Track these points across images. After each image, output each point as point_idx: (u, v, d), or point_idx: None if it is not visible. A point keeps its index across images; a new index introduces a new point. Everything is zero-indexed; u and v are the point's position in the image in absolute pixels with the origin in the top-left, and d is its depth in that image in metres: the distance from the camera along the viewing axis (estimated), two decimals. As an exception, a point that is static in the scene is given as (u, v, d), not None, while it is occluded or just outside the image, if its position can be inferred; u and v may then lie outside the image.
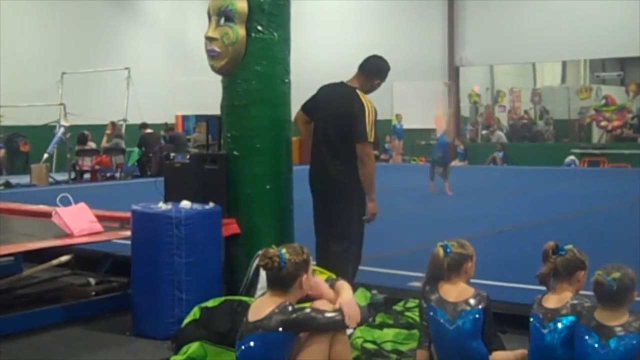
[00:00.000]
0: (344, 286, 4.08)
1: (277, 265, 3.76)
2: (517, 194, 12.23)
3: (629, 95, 25.32)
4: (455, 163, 23.81)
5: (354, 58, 6.02)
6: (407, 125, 25.01)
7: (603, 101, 25.25)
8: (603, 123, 24.05)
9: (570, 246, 4.11)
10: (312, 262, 3.95)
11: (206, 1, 6.04)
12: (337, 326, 3.80)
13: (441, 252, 4.21)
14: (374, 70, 5.87)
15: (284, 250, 3.81)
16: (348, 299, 3.92)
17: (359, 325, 4.00)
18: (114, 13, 25.08)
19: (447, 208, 12.25)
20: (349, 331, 4.32)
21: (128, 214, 5.67)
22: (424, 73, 24.57)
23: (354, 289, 5.45)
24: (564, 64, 29.53)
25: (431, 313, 4.23)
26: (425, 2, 24.80)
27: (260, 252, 3.97)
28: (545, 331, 3.97)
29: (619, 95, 25.88)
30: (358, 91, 5.72)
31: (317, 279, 4.19)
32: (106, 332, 5.46)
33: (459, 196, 14.10)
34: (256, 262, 5.29)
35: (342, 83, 5.88)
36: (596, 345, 3.72)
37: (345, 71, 6.10)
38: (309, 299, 3.98)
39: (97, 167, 20.01)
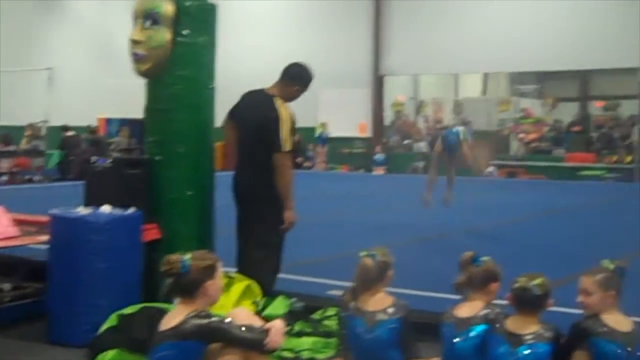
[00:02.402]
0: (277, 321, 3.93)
1: (177, 271, 3.73)
2: (436, 203, 12.41)
3: (546, 109, 26.05)
4: (376, 171, 24.14)
5: (282, 64, 6.03)
6: (331, 133, 25.17)
7: (521, 114, 25.93)
8: (521, 135, 24.69)
9: (486, 258, 4.22)
10: (220, 269, 3.88)
11: (132, 2, 5.98)
12: (252, 346, 3.68)
13: (370, 262, 4.25)
14: (293, 77, 5.88)
15: (187, 256, 3.76)
16: (280, 326, 3.78)
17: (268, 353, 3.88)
18: (36, 11, 24.62)
19: (366, 216, 12.33)
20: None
21: (46, 218, 5.57)
22: (350, 81, 24.78)
23: (273, 297, 5.50)
24: (485, 76, 30.17)
25: (349, 322, 4.27)
26: (352, 11, 25.03)
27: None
28: (457, 340, 4.08)
29: (536, 108, 26.58)
30: (275, 99, 5.73)
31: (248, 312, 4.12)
32: (21, 340, 5.32)
33: (378, 204, 14.23)
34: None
35: (261, 90, 5.89)
36: (506, 353, 3.85)
37: (273, 77, 6.10)
38: None
39: (15, 169, 19.53)
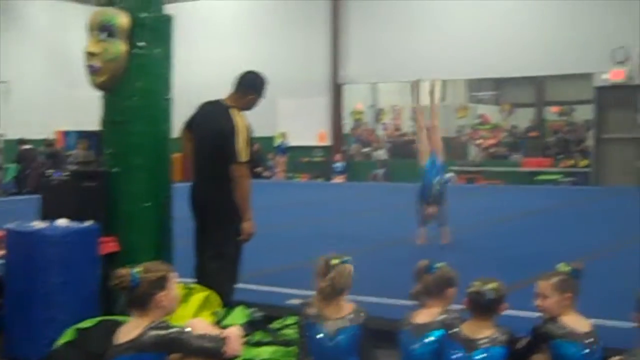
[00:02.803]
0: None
1: (127, 285, 3.70)
2: (396, 210, 12.48)
3: (503, 115, 26.37)
4: (336, 179, 24.20)
5: (239, 73, 6.03)
6: (291, 142, 25.18)
7: (479, 120, 26.21)
8: (479, 141, 24.95)
9: (441, 264, 4.27)
10: (174, 279, 3.84)
11: (88, 14, 5.94)
12: (212, 354, 3.67)
13: (349, 268, 4.22)
14: (247, 85, 5.89)
15: (137, 269, 3.74)
16: (237, 333, 3.80)
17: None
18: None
19: (325, 225, 12.34)
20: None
21: (1, 233, 5.50)
22: (309, 90, 24.82)
23: (233, 307, 5.49)
24: (443, 83, 30.40)
25: (310, 329, 4.28)
26: (309, 21, 25.10)
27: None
28: (415, 346, 4.12)
29: (494, 114, 26.88)
30: (231, 109, 5.73)
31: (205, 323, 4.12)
32: (-24, 356, 5.27)
33: (337, 213, 14.26)
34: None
35: (217, 101, 5.90)
36: (461, 357, 3.90)
37: (230, 87, 6.09)
38: None
39: (-30, 183, 19.27)
